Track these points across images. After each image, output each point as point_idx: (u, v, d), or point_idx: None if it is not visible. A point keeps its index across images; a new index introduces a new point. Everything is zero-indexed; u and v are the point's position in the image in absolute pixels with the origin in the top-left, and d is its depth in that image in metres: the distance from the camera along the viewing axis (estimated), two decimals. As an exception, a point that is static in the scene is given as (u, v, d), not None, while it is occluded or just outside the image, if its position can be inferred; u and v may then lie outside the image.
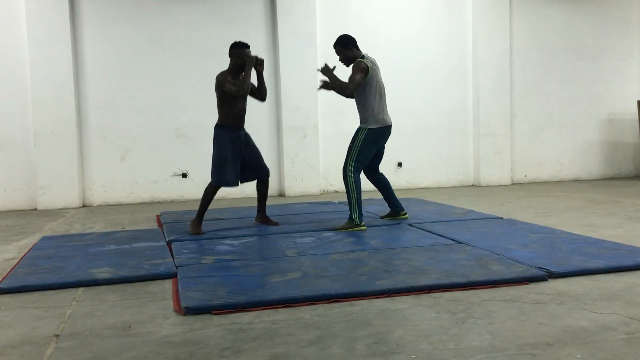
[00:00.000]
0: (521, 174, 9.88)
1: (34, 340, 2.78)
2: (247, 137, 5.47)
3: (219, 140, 5.31)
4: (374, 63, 5.35)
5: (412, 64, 9.27)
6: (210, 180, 5.43)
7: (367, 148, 5.33)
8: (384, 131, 5.39)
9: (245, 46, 5.32)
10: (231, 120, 5.31)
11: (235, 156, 5.32)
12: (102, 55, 8.15)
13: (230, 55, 5.36)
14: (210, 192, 5.36)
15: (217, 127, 5.36)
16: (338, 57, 5.45)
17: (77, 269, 4.04)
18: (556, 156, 10.07)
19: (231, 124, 5.31)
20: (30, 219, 6.94)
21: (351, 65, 5.35)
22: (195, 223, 5.34)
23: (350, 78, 5.24)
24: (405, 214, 5.86)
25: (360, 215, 5.28)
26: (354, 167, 5.26)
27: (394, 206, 5.81)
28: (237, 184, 5.40)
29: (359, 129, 5.36)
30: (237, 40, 5.46)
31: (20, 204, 7.96)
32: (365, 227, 5.30)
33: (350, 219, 5.29)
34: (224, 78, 5.25)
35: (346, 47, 5.36)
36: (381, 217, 5.92)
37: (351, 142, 5.37)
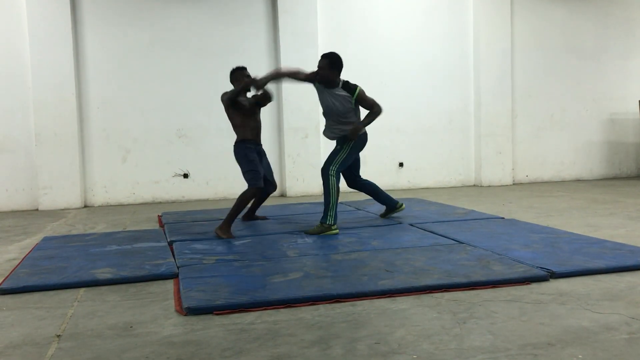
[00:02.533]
0: (522, 174, 9.88)
1: (36, 340, 2.78)
2: (263, 153, 5.66)
3: (244, 151, 5.38)
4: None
5: (414, 64, 9.27)
6: (243, 187, 5.46)
7: (352, 154, 5.40)
8: (365, 139, 5.47)
9: (242, 68, 5.55)
10: (249, 134, 5.44)
11: (260, 163, 5.46)
12: (104, 56, 8.16)
13: (231, 81, 5.55)
14: (249, 197, 5.32)
15: (239, 143, 5.44)
16: (318, 66, 5.28)
17: (79, 270, 4.05)
18: (558, 156, 10.06)
19: (250, 137, 5.43)
20: (32, 220, 6.94)
21: (361, 95, 5.27)
22: (226, 227, 5.20)
23: (372, 103, 5.31)
24: (402, 205, 5.93)
25: (335, 217, 5.23)
26: (335, 171, 5.28)
27: (389, 203, 5.87)
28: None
29: (345, 136, 5.37)
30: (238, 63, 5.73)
31: (22, 204, 7.97)
32: (337, 231, 5.21)
33: (324, 219, 5.20)
34: (223, 94, 5.41)
35: (333, 70, 5.25)
36: (380, 216, 5.96)
37: (338, 147, 5.40)
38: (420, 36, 9.31)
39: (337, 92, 5.27)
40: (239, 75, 5.50)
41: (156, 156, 8.39)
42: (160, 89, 8.37)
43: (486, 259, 4.01)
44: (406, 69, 9.22)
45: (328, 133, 5.50)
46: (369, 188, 5.80)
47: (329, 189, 5.22)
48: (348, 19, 8.95)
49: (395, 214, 5.92)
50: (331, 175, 5.24)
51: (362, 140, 5.42)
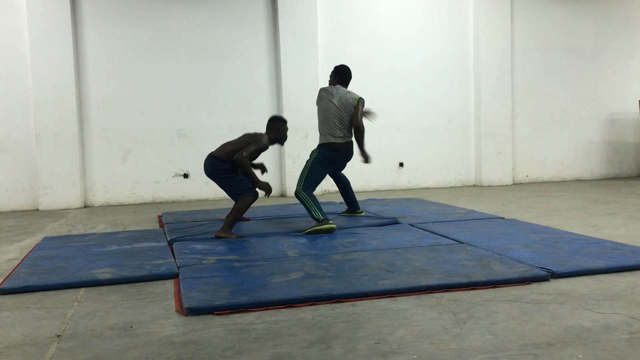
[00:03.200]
0: (523, 174, 9.88)
1: (36, 340, 2.78)
2: None
3: (228, 168, 5.31)
4: (326, 91, 5.55)
5: (414, 64, 9.27)
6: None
7: (317, 168, 5.47)
8: (329, 151, 5.48)
9: (284, 121, 5.56)
10: (233, 163, 5.35)
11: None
12: (104, 56, 8.17)
13: (268, 127, 5.51)
14: (250, 202, 5.28)
15: (218, 160, 5.32)
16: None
17: (79, 270, 4.05)
18: (558, 156, 10.06)
19: (229, 162, 5.34)
20: (32, 220, 6.94)
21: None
22: (228, 230, 5.19)
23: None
24: (362, 211, 6.14)
25: (322, 212, 5.25)
26: (302, 187, 5.36)
27: (352, 205, 6.07)
28: None
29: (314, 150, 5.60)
30: (276, 114, 5.76)
31: (22, 204, 7.97)
32: (334, 226, 5.23)
33: (316, 220, 5.23)
34: (259, 142, 5.28)
35: (335, 77, 5.67)
36: (340, 214, 6.16)
37: (305, 163, 5.54)
38: (420, 36, 9.31)
39: None
40: (282, 126, 5.51)
41: (156, 156, 8.39)
42: (160, 89, 8.37)
43: (486, 259, 4.01)
44: (406, 69, 9.22)
45: None
46: (343, 183, 6.00)
47: (303, 203, 5.31)
48: (348, 19, 8.96)
49: (353, 216, 6.07)
50: (299, 192, 5.35)
51: (325, 153, 5.48)
